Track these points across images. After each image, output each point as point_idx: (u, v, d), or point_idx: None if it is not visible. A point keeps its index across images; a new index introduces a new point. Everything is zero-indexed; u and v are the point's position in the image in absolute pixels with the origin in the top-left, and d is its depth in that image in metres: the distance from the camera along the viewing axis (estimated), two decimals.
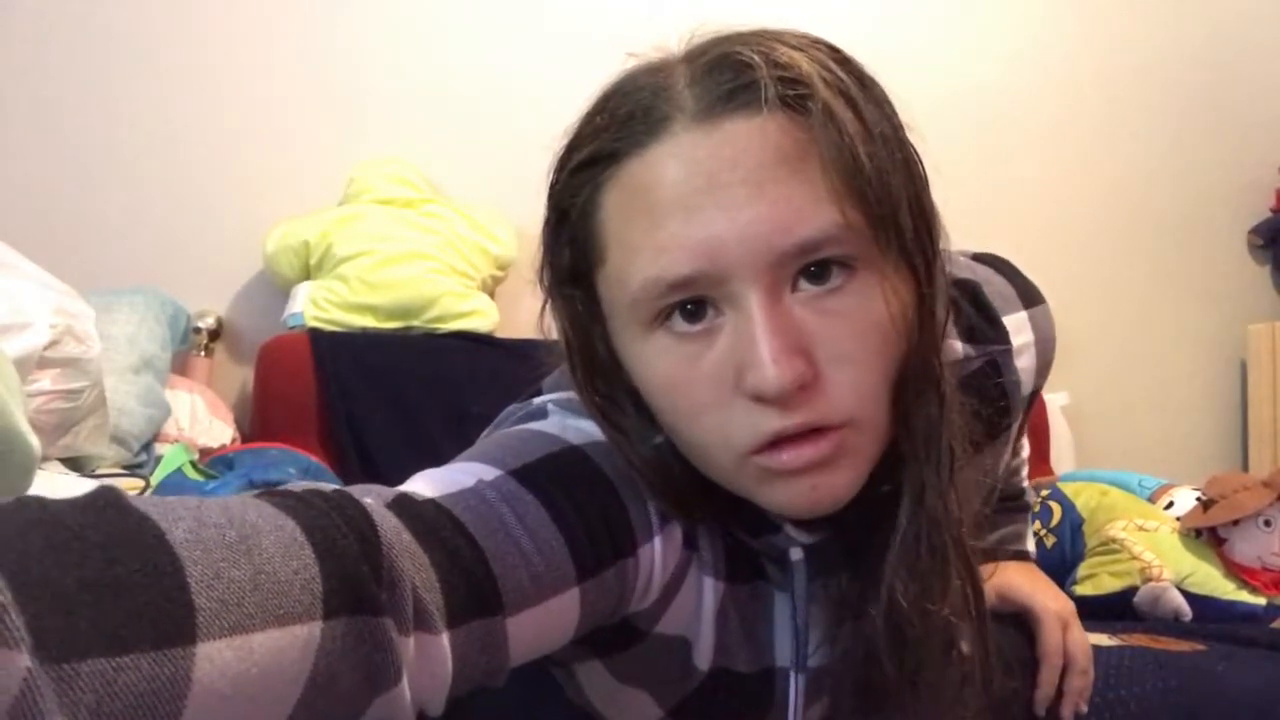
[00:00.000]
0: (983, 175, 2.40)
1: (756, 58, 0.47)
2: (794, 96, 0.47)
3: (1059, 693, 0.79)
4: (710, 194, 0.47)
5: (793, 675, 0.61)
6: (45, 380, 1.15)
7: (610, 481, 0.53)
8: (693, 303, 0.49)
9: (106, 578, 0.29)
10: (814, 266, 0.48)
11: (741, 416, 0.48)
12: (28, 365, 1.10)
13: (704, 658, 0.59)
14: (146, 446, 1.55)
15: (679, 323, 0.49)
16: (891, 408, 0.51)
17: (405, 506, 0.43)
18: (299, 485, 0.41)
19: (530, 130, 2.52)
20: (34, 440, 0.82)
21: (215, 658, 0.31)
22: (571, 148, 0.53)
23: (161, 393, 1.64)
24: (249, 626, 0.33)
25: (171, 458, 1.50)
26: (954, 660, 0.56)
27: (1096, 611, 1.42)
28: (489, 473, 0.49)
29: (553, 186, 0.54)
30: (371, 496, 0.42)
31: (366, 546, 0.38)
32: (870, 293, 0.48)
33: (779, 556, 0.59)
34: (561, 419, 0.57)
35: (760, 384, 0.46)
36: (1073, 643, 0.80)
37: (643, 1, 2.21)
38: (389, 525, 0.40)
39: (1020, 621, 0.82)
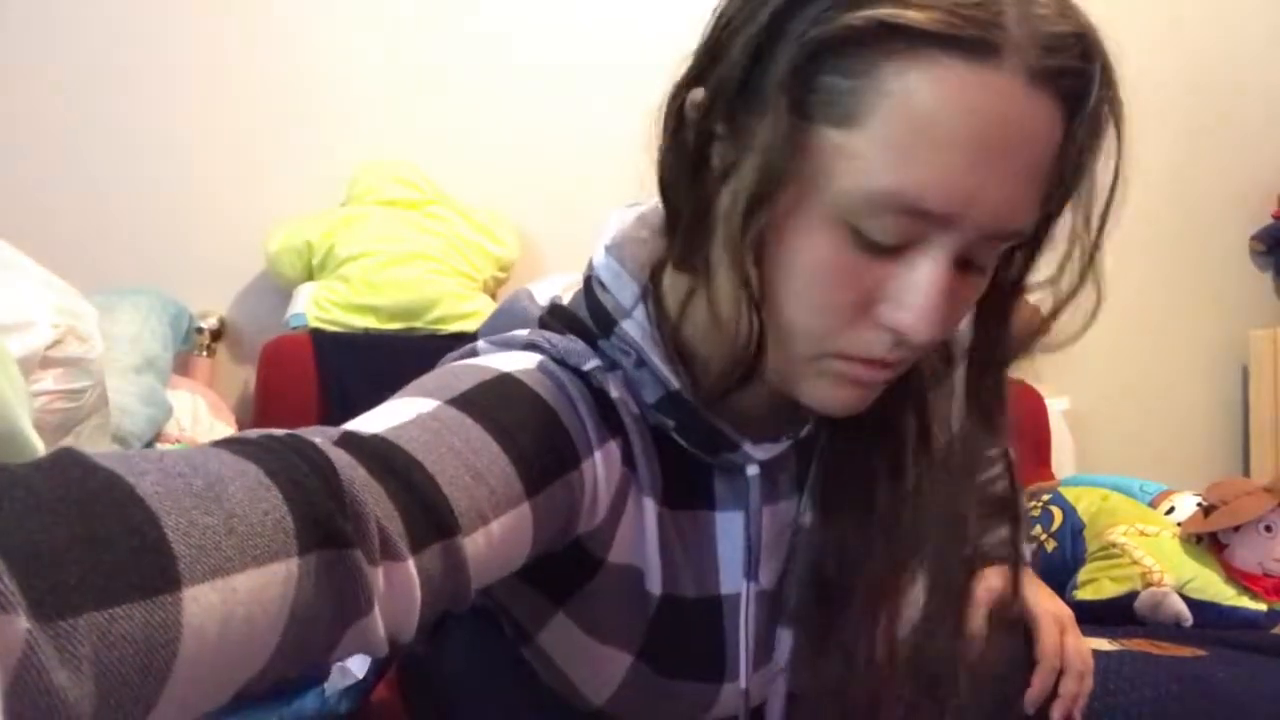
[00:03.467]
0: None
1: (1096, 61, 0.49)
2: (1091, 115, 0.49)
3: (1053, 695, 0.79)
4: (1003, 156, 0.47)
5: (745, 584, 0.63)
6: (48, 380, 1.16)
7: (544, 401, 0.54)
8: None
9: (87, 534, 0.30)
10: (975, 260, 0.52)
11: (859, 329, 0.51)
12: (30, 365, 1.10)
13: (654, 582, 0.61)
14: (148, 446, 1.55)
15: (874, 238, 0.49)
16: None
17: (354, 443, 0.44)
18: (253, 433, 0.42)
19: (532, 132, 2.53)
20: (40, 443, 0.83)
21: (201, 600, 0.32)
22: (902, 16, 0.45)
23: (163, 393, 1.64)
24: (229, 569, 0.34)
25: None
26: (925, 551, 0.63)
27: (1097, 616, 1.42)
28: (426, 405, 0.50)
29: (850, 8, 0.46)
30: (318, 437, 0.43)
31: (328, 483, 0.39)
32: (988, 277, 0.53)
33: (734, 470, 0.62)
34: (492, 353, 0.59)
35: (909, 331, 0.49)
36: (1069, 647, 0.80)
37: (640, 4, 2.22)
38: (343, 461, 0.41)
39: (1017, 625, 0.82)
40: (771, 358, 0.54)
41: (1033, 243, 0.54)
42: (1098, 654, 0.83)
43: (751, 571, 0.63)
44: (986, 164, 0.46)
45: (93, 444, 1.28)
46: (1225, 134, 2.62)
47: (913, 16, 0.45)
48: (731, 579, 0.63)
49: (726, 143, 0.51)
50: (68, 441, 1.23)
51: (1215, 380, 2.62)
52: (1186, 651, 1.31)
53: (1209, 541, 1.54)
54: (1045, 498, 1.71)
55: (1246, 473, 2.54)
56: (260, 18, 2.12)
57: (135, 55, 2.06)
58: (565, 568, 0.58)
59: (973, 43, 0.45)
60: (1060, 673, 0.79)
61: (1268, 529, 1.50)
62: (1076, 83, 0.48)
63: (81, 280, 1.32)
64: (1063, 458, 2.24)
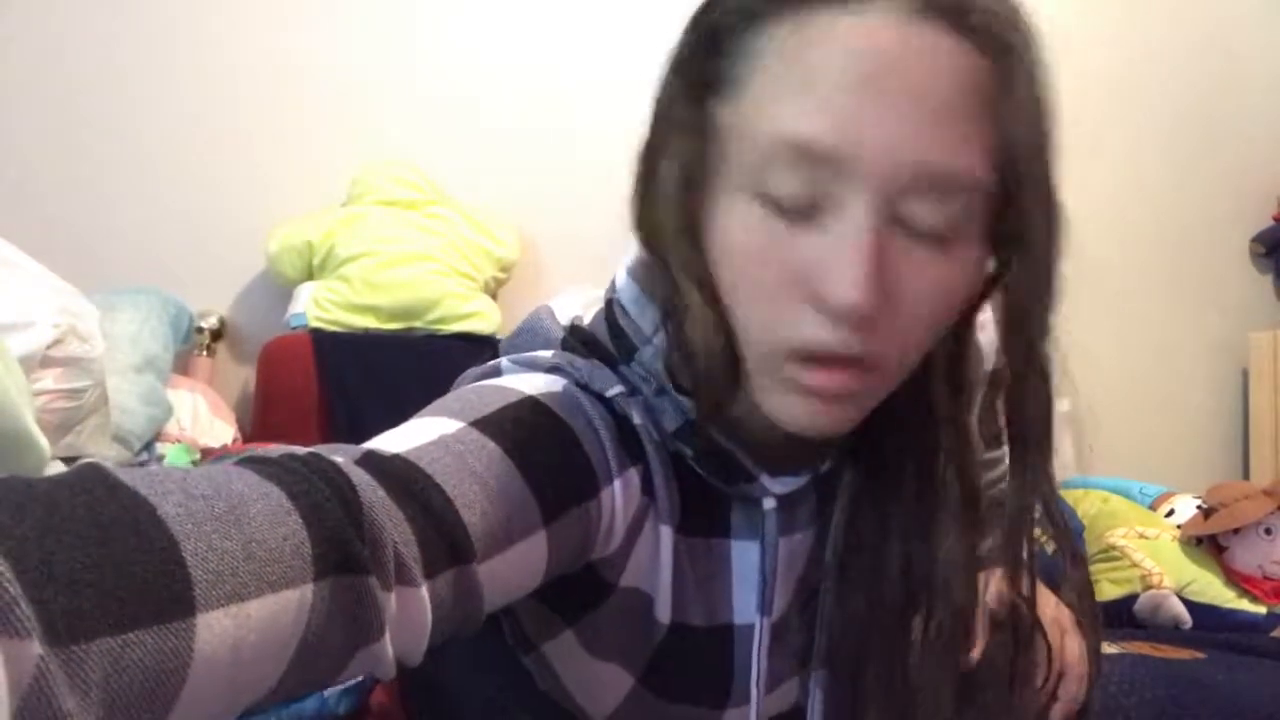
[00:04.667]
0: None
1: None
2: (999, 46, 0.47)
3: (1052, 698, 0.79)
4: (886, 80, 0.45)
5: (759, 619, 0.62)
6: (48, 379, 1.16)
7: (568, 427, 0.53)
8: (805, 198, 0.48)
9: (105, 557, 0.30)
10: (928, 225, 0.48)
11: (795, 316, 0.48)
12: (31, 364, 1.10)
13: (664, 610, 0.60)
14: (148, 446, 1.55)
15: (784, 202, 0.47)
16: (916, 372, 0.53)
17: (375, 463, 0.43)
18: (275, 450, 0.41)
19: (533, 132, 2.52)
20: (45, 441, 0.83)
21: (215, 627, 0.32)
22: None
23: (163, 392, 1.64)
24: (245, 595, 0.34)
25: (173, 458, 1.50)
26: (949, 610, 0.59)
27: None
28: (450, 425, 0.49)
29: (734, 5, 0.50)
30: (340, 455, 0.43)
31: (348, 507, 0.39)
32: (961, 262, 0.49)
33: (751, 502, 0.60)
34: (517, 374, 0.58)
35: (838, 300, 0.46)
36: (1070, 650, 0.80)
37: (642, 5, 2.21)
38: (364, 483, 0.41)
39: (1018, 627, 0.82)
40: (743, 357, 0.53)
41: (1009, 228, 0.49)
42: None
43: (766, 606, 0.62)
44: (870, 97, 0.45)
45: (93, 444, 1.28)
46: (1225, 136, 2.62)
47: None
48: (743, 609, 0.62)
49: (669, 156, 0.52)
50: (68, 440, 1.23)
51: (1215, 382, 2.62)
52: (1186, 654, 1.31)
53: (1209, 544, 1.54)
54: None
55: (1246, 475, 2.54)
56: (261, 17, 2.12)
57: (136, 55, 2.06)
58: (575, 590, 0.58)
59: None
60: (1060, 676, 0.79)
61: (1267, 532, 1.50)
62: (980, 19, 0.46)
63: (82, 280, 1.32)
64: (1062, 460, 2.24)
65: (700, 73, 0.50)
